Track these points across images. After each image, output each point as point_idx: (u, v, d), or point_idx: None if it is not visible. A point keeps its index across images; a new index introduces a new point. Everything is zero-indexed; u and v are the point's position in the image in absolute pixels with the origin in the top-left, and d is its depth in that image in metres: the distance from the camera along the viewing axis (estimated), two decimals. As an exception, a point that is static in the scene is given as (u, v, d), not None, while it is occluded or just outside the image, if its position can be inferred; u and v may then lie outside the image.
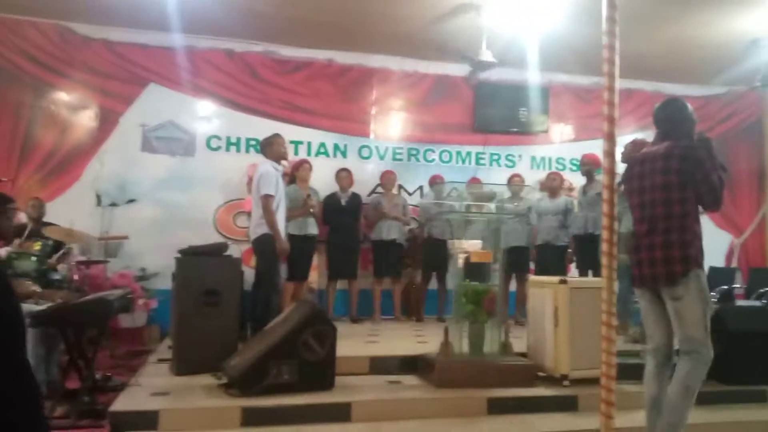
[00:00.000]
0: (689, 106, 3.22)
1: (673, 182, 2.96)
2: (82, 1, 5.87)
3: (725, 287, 6.73)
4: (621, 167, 5.72)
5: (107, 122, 6.49)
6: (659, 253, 2.95)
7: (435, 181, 6.78)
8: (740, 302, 6.61)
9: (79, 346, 3.73)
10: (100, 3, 5.88)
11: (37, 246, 4.46)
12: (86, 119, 6.46)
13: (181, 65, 6.65)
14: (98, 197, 6.28)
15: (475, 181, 6.76)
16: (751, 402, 4.04)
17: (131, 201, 6.33)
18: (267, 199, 4.80)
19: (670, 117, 3.18)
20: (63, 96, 6.42)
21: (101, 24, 6.40)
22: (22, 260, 4.25)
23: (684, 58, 7.00)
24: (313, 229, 6.03)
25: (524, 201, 6.63)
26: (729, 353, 4.11)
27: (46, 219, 5.28)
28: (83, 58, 6.45)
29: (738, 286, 7.08)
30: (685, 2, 5.71)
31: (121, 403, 3.33)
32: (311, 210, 5.94)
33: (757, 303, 6.24)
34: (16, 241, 4.48)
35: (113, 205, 6.22)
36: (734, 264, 7.96)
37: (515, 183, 6.70)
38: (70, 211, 5.60)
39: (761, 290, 6.54)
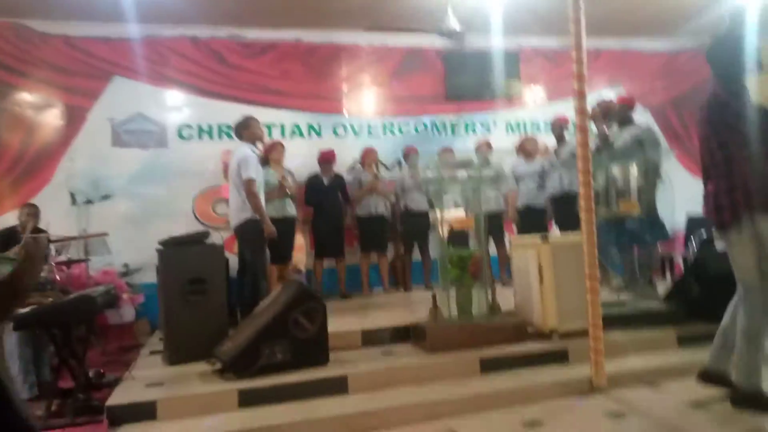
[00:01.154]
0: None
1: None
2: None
3: (704, 233, 6.87)
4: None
5: (74, 119, 6.37)
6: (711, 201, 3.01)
7: (409, 153, 6.79)
8: (718, 246, 6.76)
9: (68, 345, 3.71)
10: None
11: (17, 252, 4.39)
12: (53, 118, 6.34)
13: (146, 56, 6.54)
14: (72, 196, 6.19)
15: (447, 150, 6.78)
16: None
17: (106, 197, 6.25)
18: (250, 183, 4.73)
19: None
20: (26, 96, 6.28)
21: (59, 19, 6.24)
22: (2, 265, 4.17)
23: (650, 11, 7.03)
24: (291, 210, 6.00)
25: (493, 166, 6.64)
26: (711, 294, 4.23)
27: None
28: (43, 56, 6.30)
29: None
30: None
31: (117, 397, 3.32)
32: (288, 191, 5.91)
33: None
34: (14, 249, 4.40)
35: (88, 202, 6.15)
36: (711, 212, 8.10)
37: (482, 150, 6.72)
38: (45, 212, 5.50)
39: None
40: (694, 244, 6.68)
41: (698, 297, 4.31)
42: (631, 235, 4.80)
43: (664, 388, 3.45)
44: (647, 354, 3.91)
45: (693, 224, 7.18)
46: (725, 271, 4.32)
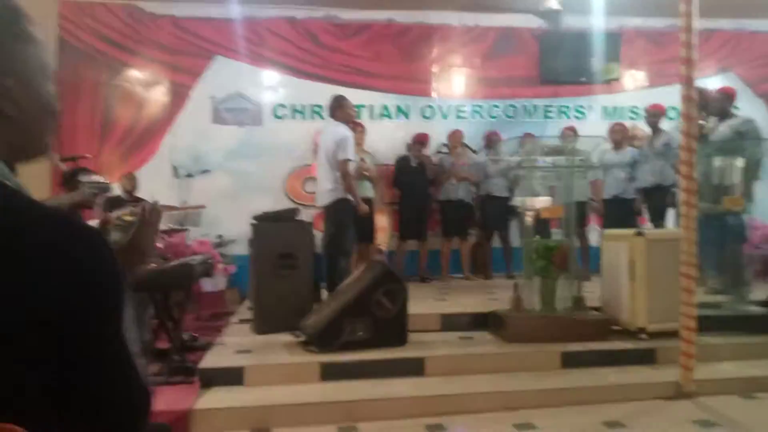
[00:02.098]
0: None
1: None
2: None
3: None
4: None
5: (178, 96, 6.73)
6: None
7: (492, 138, 6.68)
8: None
9: (167, 308, 3.98)
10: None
11: (129, 217, 4.72)
12: (159, 94, 6.73)
13: (245, 36, 6.77)
14: (175, 169, 6.57)
15: (528, 135, 6.59)
16: None
17: (205, 171, 6.58)
18: (346, 164, 4.69)
19: None
20: (136, 73, 6.70)
21: (167, 0, 6.58)
22: (115, 230, 4.52)
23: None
24: (368, 192, 6.04)
25: (580, 153, 6.36)
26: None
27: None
28: (152, 36, 6.68)
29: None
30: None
31: (209, 361, 3.55)
32: (365, 173, 5.97)
33: None
34: (116, 213, 4.75)
35: (189, 176, 6.50)
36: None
37: (566, 136, 6.44)
38: (150, 184, 5.90)
39: None
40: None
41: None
42: (732, 232, 4.51)
43: (758, 400, 3.26)
44: (743, 361, 3.68)
45: None
46: None
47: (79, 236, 0.78)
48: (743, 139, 4.62)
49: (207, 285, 6.04)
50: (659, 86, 7.11)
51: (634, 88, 7.42)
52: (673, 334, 3.38)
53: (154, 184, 6.00)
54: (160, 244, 5.26)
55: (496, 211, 6.41)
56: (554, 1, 5.99)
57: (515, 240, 6.24)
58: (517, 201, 4.55)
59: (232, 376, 3.37)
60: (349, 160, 4.71)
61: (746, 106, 5.04)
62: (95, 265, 0.78)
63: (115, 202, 5.03)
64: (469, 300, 5.07)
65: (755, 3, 6.88)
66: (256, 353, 3.71)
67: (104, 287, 0.80)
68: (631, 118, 7.19)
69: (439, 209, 6.65)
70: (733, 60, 7.48)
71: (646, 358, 3.66)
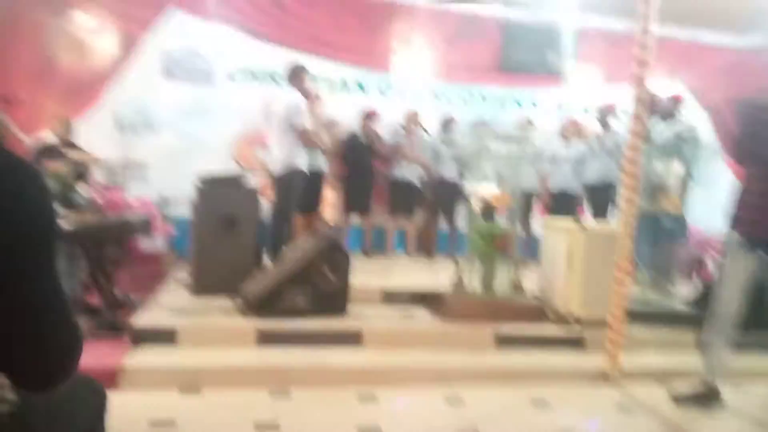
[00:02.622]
0: None
1: None
2: None
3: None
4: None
5: (127, 46, 6.42)
6: None
7: (448, 122, 6.71)
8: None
9: (100, 263, 3.83)
10: None
11: (61, 168, 4.51)
12: (105, 42, 6.38)
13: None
14: (117, 122, 6.29)
15: (484, 123, 6.68)
16: (758, 348, 4.02)
17: (150, 127, 6.33)
18: (305, 134, 4.75)
19: None
20: (81, 17, 6.33)
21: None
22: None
23: (723, 4, 6.69)
24: (322, 164, 6.00)
25: (532, 144, 6.51)
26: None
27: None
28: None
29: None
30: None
31: (141, 319, 3.45)
32: (317, 143, 5.89)
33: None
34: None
35: (132, 130, 6.24)
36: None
37: (523, 126, 6.58)
38: (89, 134, 5.64)
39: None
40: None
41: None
42: (666, 232, 4.70)
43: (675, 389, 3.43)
44: (665, 353, 3.87)
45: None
46: (756, 280, 4.23)
47: (21, 169, 0.84)
48: (684, 143, 4.81)
49: (145, 244, 5.86)
50: (612, 85, 7.29)
51: (588, 85, 7.59)
52: (603, 324, 3.50)
53: (94, 135, 5.75)
54: (99, 200, 5.07)
55: (445, 194, 6.47)
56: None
57: (461, 223, 6.31)
58: (467, 186, 4.60)
59: (164, 336, 3.30)
60: (306, 129, 4.74)
61: (691, 116, 5.25)
62: (34, 193, 0.84)
63: (47, 151, 4.82)
64: (410, 277, 5.11)
65: (709, 15, 7.12)
66: (191, 314, 3.63)
67: (42, 215, 0.84)
68: (583, 113, 7.36)
69: (387, 187, 6.66)
70: (684, 69, 7.74)
71: (576, 344, 3.79)
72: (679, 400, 3.13)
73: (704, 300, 4.45)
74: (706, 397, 3.08)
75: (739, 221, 2.98)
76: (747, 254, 2.93)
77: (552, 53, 7.32)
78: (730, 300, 3.00)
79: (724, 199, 5.97)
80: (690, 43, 7.72)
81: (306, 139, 4.74)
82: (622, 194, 3.42)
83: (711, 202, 5.09)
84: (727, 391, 3.14)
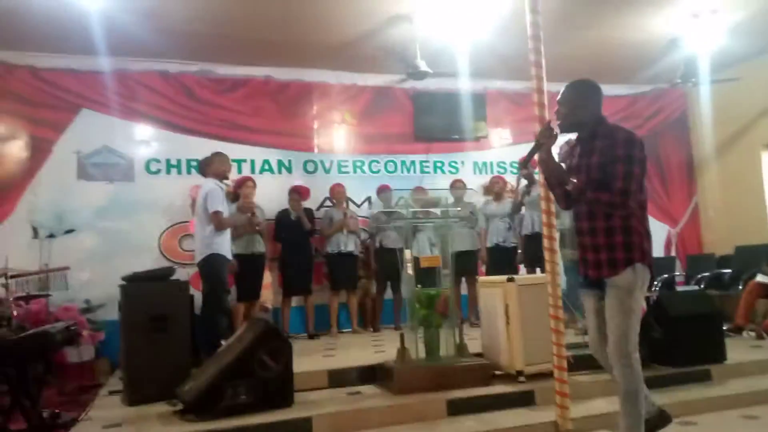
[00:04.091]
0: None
1: None
2: (2, 27, 5.63)
3: (666, 275, 7.04)
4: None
5: (40, 151, 6.26)
6: None
7: (383, 191, 6.83)
8: (680, 288, 6.93)
9: (23, 383, 3.56)
10: (22, 28, 5.65)
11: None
12: (17, 149, 6.21)
13: (114, 89, 6.49)
14: (35, 229, 6.02)
15: (420, 189, 6.85)
16: (697, 382, 4.21)
17: (70, 231, 6.08)
18: (217, 216, 4.73)
19: None
20: (-9, 126, 6.16)
21: (25, 50, 6.17)
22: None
23: (609, 58, 7.30)
24: (260, 247, 5.99)
25: (467, 205, 6.76)
26: (672, 337, 4.31)
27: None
28: (8, 87, 6.21)
29: (678, 273, 7.41)
30: (604, 5, 5.97)
31: (72, 440, 3.20)
32: (257, 228, 5.89)
33: (695, 287, 6.54)
34: None
35: (51, 236, 5.98)
36: (673, 253, 8.32)
37: (457, 188, 6.82)
38: (4, 246, 5.37)
39: (699, 275, 6.87)
40: (656, 285, 6.83)
41: (659, 339, 4.38)
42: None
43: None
44: (612, 397, 3.91)
45: (656, 265, 7.33)
46: (684, 312, 4.45)
47: None
48: None
49: (72, 355, 5.52)
50: (523, 143, 7.68)
51: (500, 145, 7.97)
52: (549, 375, 3.54)
53: (10, 246, 5.50)
54: (15, 312, 4.78)
55: (390, 263, 6.48)
56: (423, 63, 6.36)
57: (405, 291, 6.31)
58: (405, 253, 4.66)
59: (98, 455, 3.06)
60: (219, 212, 4.74)
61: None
62: None
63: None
64: (357, 354, 5.02)
65: (598, 69, 7.71)
66: (126, 427, 3.40)
67: None
68: (499, 172, 7.68)
69: (325, 262, 6.62)
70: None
71: (526, 399, 3.80)
72: None
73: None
74: (655, 425, 2.98)
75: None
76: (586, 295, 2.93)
77: (462, 118, 7.68)
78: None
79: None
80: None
81: (219, 223, 4.71)
82: (544, 244, 3.53)
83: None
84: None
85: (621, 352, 2.69)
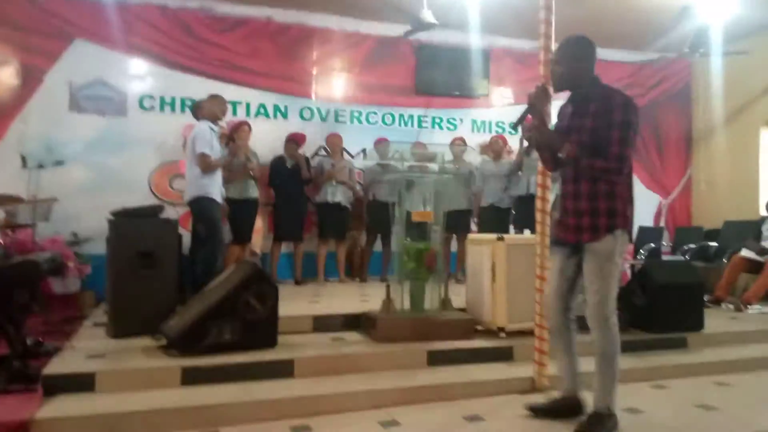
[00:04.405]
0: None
1: None
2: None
3: (653, 245, 7.10)
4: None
5: (31, 80, 6.12)
6: None
7: (380, 143, 6.77)
8: (666, 258, 7.00)
9: (7, 310, 3.58)
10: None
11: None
12: (7, 76, 6.07)
13: (110, 20, 6.29)
14: (23, 159, 5.93)
15: (419, 144, 6.79)
16: (673, 348, 4.29)
17: (59, 163, 5.99)
18: (203, 158, 4.70)
19: None
20: (-19, 52, 6.00)
21: (20, -26, 5.98)
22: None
23: (619, 23, 7.15)
24: (253, 192, 5.96)
25: (465, 164, 6.74)
26: (654, 304, 4.37)
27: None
28: (1, 11, 6.02)
29: (665, 244, 7.47)
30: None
31: (55, 366, 3.24)
32: (251, 172, 5.85)
33: (680, 258, 6.61)
34: None
35: (40, 167, 5.89)
36: (662, 224, 8.36)
37: (457, 145, 6.78)
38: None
39: (685, 247, 6.93)
40: (643, 254, 6.90)
41: (642, 306, 4.44)
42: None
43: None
44: (589, 358, 3.99)
45: (644, 234, 7.41)
46: (669, 282, 4.50)
47: None
48: None
49: (58, 286, 5.54)
50: (523, 103, 7.56)
51: (501, 104, 7.87)
52: (529, 333, 3.59)
53: (-1, 174, 5.43)
54: (1, 241, 4.76)
55: (381, 215, 6.47)
56: (429, 14, 6.21)
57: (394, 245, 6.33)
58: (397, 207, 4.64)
59: (81, 383, 3.10)
60: (204, 153, 4.71)
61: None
62: None
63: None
64: (342, 302, 5.07)
65: (607, 33, 7.58)
66: (109, 358, 3.44)
67: None
68: (498, 132, 7.62)
69: (315, 211, 6.61)
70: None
71: (504, 355, 3.87)
72: (535, 411, 3.03)
73: (619, 301, 4.67)
74: (563, 410, 2.99)
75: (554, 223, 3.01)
76: (555, 253, 2.94)
77: (464, 74, 7.56)
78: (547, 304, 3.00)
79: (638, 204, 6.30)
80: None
81: (205, 165, 4.68)
82: (537, 206, 3.54)
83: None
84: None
85: (600, 315, 2.73)
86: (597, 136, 2.67)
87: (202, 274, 4.65)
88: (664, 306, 4.38)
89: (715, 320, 4.86)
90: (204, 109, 4.99)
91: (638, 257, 6.92)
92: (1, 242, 4.74)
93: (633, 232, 2.83)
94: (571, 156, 2.73)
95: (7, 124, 6.02)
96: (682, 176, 8.64)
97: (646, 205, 8.26)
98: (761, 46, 7.36)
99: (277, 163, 6.40)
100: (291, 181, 6.34)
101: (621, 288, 5.11)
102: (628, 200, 2.75)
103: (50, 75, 6.18)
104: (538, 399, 3.36)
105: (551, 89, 2.93)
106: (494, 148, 6.70)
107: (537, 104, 2.86)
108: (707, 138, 8.47)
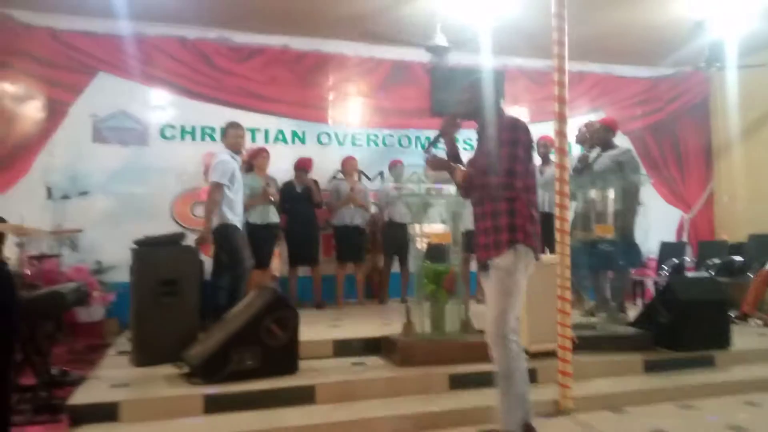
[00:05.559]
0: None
1: None
2: (23, -14, 5.64)
3: (676, 260, 7.00)
4: (576, 149, 5.91)
5: (56, 113, 6.29)
6: None
7: (395, 165, 6.81)
8: (690, 274, 6.89)
9: (33, 340, 3.64)
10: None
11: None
12: (33, 110, 6.25)
13: (132, 53, 6.47)
14: (49, 190, 6.09)
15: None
16: (700, 367, 4.20)
17: (84, 193, 6.15)
18: (213, 186, 4.78)
19: None
20: (7, 86, 6.18)
21: (44, 11, 6.17)
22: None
23: (632, 40, 7.17)
24: (274, 217, 6.00)
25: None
26: (679, 321, 4.30)
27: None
28: (27, 48, 6.22)
29: (688, 259, 7.36)
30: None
31: (80, 396, 3.27)
32: (271, 198, 5.91)
33: (704, 274, 6.50)
34: None
35: (65, 197, 6.05)
36: (684, 238, 8.24)
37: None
38: (19, 206, 5.43)
39: (709, 262, 6.82)
40: (666, 270, 6.80)
41: (666, 323, 4.37)
42: (605, 258, 4.85)
43: (627, 414, 3.50)
44: (613, 378, 3.95)
45: (666, 250, 7.32)
46: (694, 298, 4.42)
47: None
48: (622, 169, 5.00)
49: (83, 315, 5.63)
50: (540, 122, 7.58)
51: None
52: (552, 354, 3.56)
53: (26, 206, 5.55)
54: (28, 271, 4.86)
55: (397, 237, 6.48)
56: (442, 38, 6.27)
57: (412, 266, 6.31)
58: (415, 228, 4.65)
59: (105, 413, 3.13)
60: (217, 183, 4.77)
61: (616, 142, 5.52)
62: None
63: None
64: (362, 325, 5.06)
65: (621, 50, 7.60)
66: (133, 387, 3.47)
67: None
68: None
69: (333, 234, 6.64)
70: (603, 100, 8.18)
71: (528, 377, 3.81)
72: None
73: (643, 319, 4.62)
74: None
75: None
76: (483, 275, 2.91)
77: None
78: None
79: (656, 222, 6.25)
80: (605, 75, 8.20)
81: (210, 193, 4.78)
82: (556, 225, 3.52)
83: (643, 224, 5.31)
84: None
85: (497, 332, 2.74)
86: (492, 157, 2.79)
87: (226, 300, 4.68)
88: (689, 323, 4.31)
89: (743, 337, 4.75)
90: (227, 139, 5.06)
91: (661, 273, 6.82)
92: (28, 273, 4.83)
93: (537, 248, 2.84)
94: (460, 180, 2.90)
95: (33, 157, 6.18)
96: (704, 190, 8.53)
97: (668, 221, 8.17)
98: (778, 58, 7.30)
99: (287, 188, 6.45)
100: (301, 205, 6.39)
101: (645, 305, 5.08)
102: (528, 217, 2.80)
103: (74, 108, 6.35)
104: (564, 421, 3.33)
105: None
106: None
107: (447, 131, 3.06)
108: (727, 151, 8.37)
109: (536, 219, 2.85)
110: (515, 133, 2.79)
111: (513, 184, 2.74)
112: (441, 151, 3.17)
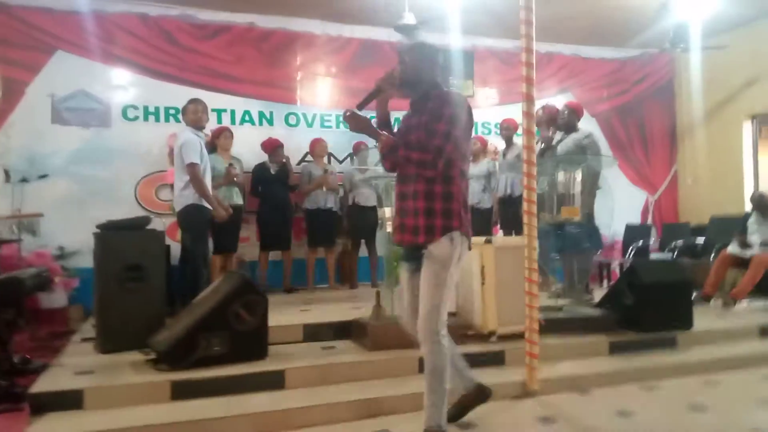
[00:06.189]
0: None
1: None
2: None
3: (640, 242, 7.15)
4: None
5: (12, 93, 6.05)
6: None
7: (359, 148, 6.75)
8: (653, 255, 7.05)
9: (-8, 329, 3.54)
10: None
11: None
12: (-12, 90, 6.01)
13: (91, 31, 6.23)
14: (6, 173, 5.87)
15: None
16: (663, 348, 4.31)
17: (43, 176, 5.94)
18: (193, 168, 4.61)
19: None
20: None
21: (-2, -13, 5.91)
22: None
23: (600, 21, 7.21)
24: (237, 198, 5.90)
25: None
26: (642, 303, 4.39)
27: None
28: (-20, 25, 5.96)
29: (653, 241, 7.53)
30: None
31: (43, 384, 3.20)
32: (235, 179, 5.81)
33: (667, 256, 6.65)
34: None
35: (24, 180, 5.83)
36: (649, 220, 8.41)
37: None
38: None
39: (673, 243, 6.98)
40: (631, 252, 6.94)
41: (631, 305, 4.46)
42: (571, 240, 4.92)
43: (592, 395, 3.57)
44: (579, 360, 4.03)
45: (631, 232, 7.46)
46: (657, 280, 4.52)
47: None
48: (584, 152, 5.05)
49: (45, 301, 5.49)
50: (509, 103, 7.61)
51: (487, 105, 7.88)
52: (520, 336, 3.60)
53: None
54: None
55: (364, 221, 6.46)
56: (410, 16, 6.21)
57: (381, 249, 6.30)
58: (383, 212, 4.62)
59: (69, 401, 3.06)
60: (195, 163, 4.59)
61: (582, 124, 5.55)
62: None
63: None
64: (333, 310, 5.05)
65: (589, 31, 7.64)
66: (98, 374, 3.40)
67: None
68: (484, 133, 7.64)
69: (305, 218, 6.58)
70: (571, 81, 8.23)
71: (496, 359, 3.86)
72: (452, 418, 2.88)
73: (608, 301, 4.71)
74: (472, 401, 3.01)
75: None
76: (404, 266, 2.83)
77: (449, 75, 7.55)
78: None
79: (622, 204, 6.32)
80: (573, 57, 8.24)
81: (193, 175, 4.60)
82: (523, 207, 3.54)
83: (609, 206, 5.39)
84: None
85: (429, 328, 2.59)
86: (426, 131, 2.60)
87: (189, 285, 4.59)
88: (652, 305, 4.40)
89: (704, 318, 4.89)
90: (187, 115, 4.86)
91: (626, 256, 6.96)
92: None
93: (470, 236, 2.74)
94: (383, 149, 2.67)
95: (-11, 140, 5.95)
96: (669, 172, 8.69)
97: (633, 203, 8.32)
98: (741, 40, 7.43)
99: (260, 169, 6.35)
100: (275, 188, 6.30)
101: (610, 287, 5.18)
102: (463, 204, 2.68)
103: (32, 87, 6.11)
104: (531, 403, 3.38)
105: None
106: (472, 150, 6.69)
107: (383, 87, 2.82)
108: (691, 133, 8.53)
109: (468, 205, 2.73)
110: (457, 110, 2.60)
111: (437, 163, 2.54)
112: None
